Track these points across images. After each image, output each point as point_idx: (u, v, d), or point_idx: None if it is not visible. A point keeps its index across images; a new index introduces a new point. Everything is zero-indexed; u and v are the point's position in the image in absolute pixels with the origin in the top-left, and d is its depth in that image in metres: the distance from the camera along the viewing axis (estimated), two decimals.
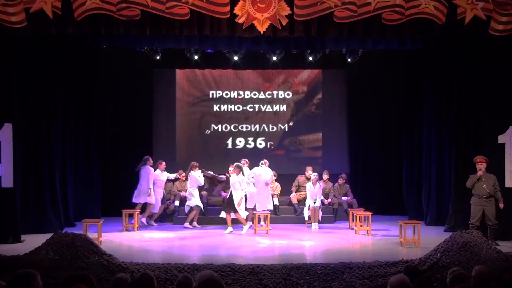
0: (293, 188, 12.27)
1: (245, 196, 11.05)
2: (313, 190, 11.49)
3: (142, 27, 8.93)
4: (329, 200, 12.38)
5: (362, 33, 9.22)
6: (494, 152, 9.87)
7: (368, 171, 13.26)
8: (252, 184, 11.23)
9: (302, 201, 12.01)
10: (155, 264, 7.10)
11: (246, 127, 13.53)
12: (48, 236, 7.47)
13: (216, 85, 13.47)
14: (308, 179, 11.98)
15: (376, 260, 7.39)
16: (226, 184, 11.77)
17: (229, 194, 11.04)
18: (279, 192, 12.31)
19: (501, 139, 9.95)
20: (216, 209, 11.74)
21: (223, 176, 11.96)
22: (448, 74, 11.02)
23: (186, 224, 11.29)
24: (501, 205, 9.23)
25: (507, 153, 9.89)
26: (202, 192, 11.77)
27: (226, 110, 13.49)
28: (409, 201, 12.65)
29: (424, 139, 11.97)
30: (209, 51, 11.77)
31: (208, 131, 13.48)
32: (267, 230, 10.65)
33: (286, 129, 13.53)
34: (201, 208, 11.47)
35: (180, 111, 13.38)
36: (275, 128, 13.53)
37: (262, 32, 8.99)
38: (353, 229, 10.97)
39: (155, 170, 11.60)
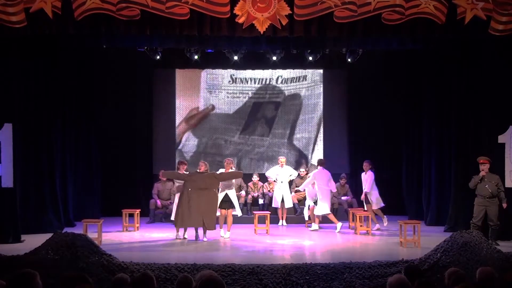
0: (292, 189, 12.28)
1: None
2: (311, 190, 11.49)
3: (142, 27, 8.94)
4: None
5: (362, 33, 9.22)
6: (494, 152, 9.87)
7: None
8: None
9: (302, 201, 12.01)
10: (155, 264, 7.10)
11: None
12: (48, 236, 7.47)
13: (216, 85, 13.38)
14: (302, 178, 12.17)
15: (376, 260, 7.39)
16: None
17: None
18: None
19: (501, 139, 9.95)
20: None
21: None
22: (448, 74, 11.02)
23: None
24: (504, 205, 9.24)
25: (507, 153, 9.89)
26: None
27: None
28: (409, 201, 12.65)
29: (424, 139, 11.97)
30: (209, 51, 11.76)
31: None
32: (267, 230, 10.65)
33: (281, 131, 13.49)
34: None
35: (180, 111, 13.37)
36: (272, 130, 13.47)
37: (262, 32, 8.98)
38: (353, 229, 10.97)
39: None
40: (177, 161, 11.67)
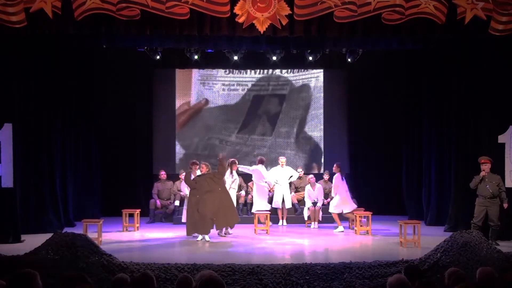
0: (292, 190, 12.26)
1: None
2: (312, 193, 11.49)
3: (142, 27, 8.94)
4: (329, 200, 12.37)
5: (362, 33, 9.23)
6: (494, 152, 9.87)
7: (368, 171, 13.26)
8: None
9: (302, 201, 12.00)
10: (155, 264, 7.11)
11: None
12: (48, 236, 7.47)
13: (210, 75, 13.01)
14: (301, 178, 12.19)
15: (376, 260, 7.39)
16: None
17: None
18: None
19: (501, 139, 9.96)
20: None
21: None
22: (448, 74, 11.02)
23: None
24: (505, 205, 9.24)
25: (507, 153, 9.90)
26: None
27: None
28: (409, 201, 12.66)
29: (424, 139, 11.98)
30: (209, 51, 11.76)
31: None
32: (267, 230, 10.65)
33: (287, 129, 13.46)
34: None
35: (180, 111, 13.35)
36: (275, 128, 13.42)
37: (262, 32, 8.99)
38: (353, 229, 10.98)
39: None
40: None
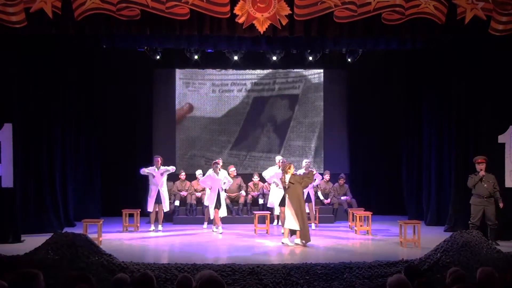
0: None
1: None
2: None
3: (142, 27, 8.96)
4: (329, 200, 12.39)
5: (362, 33, 9.25)
6: (494, 152, 9.88)
7: (368, 171, 13.26)
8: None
9: None
10: (155, 264, 7.12)
11: None
12: (48, 236, 7.47)
13: (196, 73, 12.67)
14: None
15: (376, 260, 7.40)
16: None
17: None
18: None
19: (501, 139, 9.98)
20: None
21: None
22: (448, 74, 11.04)
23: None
24: (501, 205, 9.26)
25: (507, 153, 9.91)
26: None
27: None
28: (409, 201, 12.66)
29: (424, 139, 11.99)
30: (209, 51, 11.75)
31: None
32: (267, 230, 10.65)
33: (287, 129, 13.44)
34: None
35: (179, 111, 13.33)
36: (285, 142, 13.12)
37: (262, 32, 9.01)
38: (353, 229, 10.98)
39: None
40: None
